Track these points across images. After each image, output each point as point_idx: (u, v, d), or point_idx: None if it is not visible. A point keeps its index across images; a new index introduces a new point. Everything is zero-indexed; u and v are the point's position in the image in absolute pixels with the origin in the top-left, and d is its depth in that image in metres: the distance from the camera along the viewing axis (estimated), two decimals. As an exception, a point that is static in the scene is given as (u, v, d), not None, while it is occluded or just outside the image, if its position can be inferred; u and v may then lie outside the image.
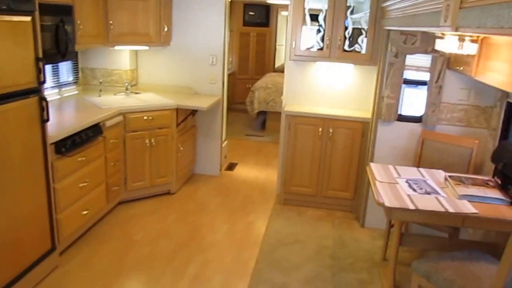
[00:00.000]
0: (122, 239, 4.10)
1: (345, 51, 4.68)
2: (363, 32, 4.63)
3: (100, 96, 4.96)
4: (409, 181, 3.36)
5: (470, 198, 3.07)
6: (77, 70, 5.22)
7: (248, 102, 8.08)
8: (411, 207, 2.91)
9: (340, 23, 4.56)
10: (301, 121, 4.74)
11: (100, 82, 5.25)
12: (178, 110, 4.93)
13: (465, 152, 3.91)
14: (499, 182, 3.30)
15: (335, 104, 5.03)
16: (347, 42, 4.68)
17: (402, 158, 4.32)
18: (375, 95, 4.40)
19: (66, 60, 4.18)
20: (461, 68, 3.61)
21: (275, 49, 10.35)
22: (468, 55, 3.33)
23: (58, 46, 3.78)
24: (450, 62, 3.99)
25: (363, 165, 4.59)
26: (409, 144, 4.30)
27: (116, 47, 4.95)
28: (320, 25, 4.69)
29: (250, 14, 9.80)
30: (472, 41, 3.13)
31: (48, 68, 4.57)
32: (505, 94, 3.69)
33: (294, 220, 4.69)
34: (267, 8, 9.92)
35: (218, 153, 5.84)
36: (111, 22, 4.60)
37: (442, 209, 2.90)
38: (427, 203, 2.97)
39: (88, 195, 3.95)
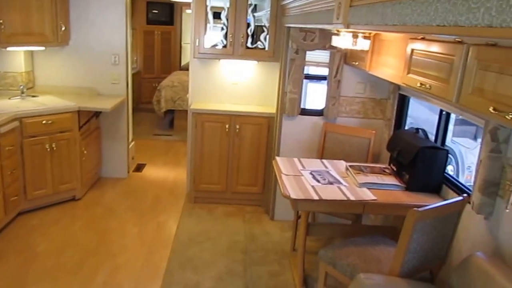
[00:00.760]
0: (24, 252, 3.85)
1: (248, 48, 4.74)
2: (265, 29, 4.72)
3: (-9, 100, 4.62)
4: (313, 173, 3.49)
5: (369, 185, 3.26)
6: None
7: (155, 101, 7.94)
8: (315, 197, 3.03)
9: (242, 20, 4.62)
10: (208, 118, 4.74)
11: (-8, 86, 4.90)
12: (80, 112, 4.73)
13: (363, 142, 4.13)
14: (394, 169, 3.53)
15: (241, 100, 5.09)
16: (250, 40, 4.75)
17: (306, 150, 4.47)
18: (278, 90, 4.51)
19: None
20: (357, 63, 3.80)
21: (180, 47, 10.24)
22: (362, 51, 3.51)
23: None
24: (347, 58, 4.19)
25: (270, 159, 4.69)
26: (313, 136, 4.46)
27: (9, 48, 4.64)
28: (223, 23, 4.72)
29: (154, 12, 9.61)
30: (365, 37, 3.32)
31: None
32: (397, 86, 3.94)
33: (205, 218, 4.70)
34: (171, 6, 9.78)
35: (125, 155, 5.69)
36: (1, 21, 4.26)
37: (344, 198, 3.05)
38: (330, 193, 3.11)
39: (-18, 207, 3.68)
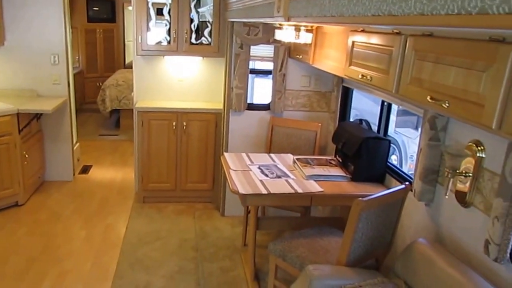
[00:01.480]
0: (-39, 261, 3.68)
1: (193, 44, 4.69)
2: (209, 25, 4.69)
3: None
4: (261, 167, 3.50)
5: (316, 177, 3.30)
6: None
7: (100, 101, 7.73)
8: (264, 191, 3.03)
9: (185, 16, 4.56)
10: (154, 116, 4.66)
11: None
12: (19, 115, 4.53)
13: (310, 135, 4.18)
14: (340, 160, 3.59)
15: (187, 97, 5.03)
16: (194, 35, 4.70)
17: (254, 145, 4.48)
18: (225, 86, 4.49)
19: None
20: (301, 57, 3.84)
21: (124, 45, 10.00)
22: (306, 44, 3.55)
23: None
24: (291, 52, 4.22)
25: (219, 155, 4.66)
26: (260, 131, 4.47)
27: None
28: (166, 19, 4.64)
29: (95, 10, 9.32)
30: (307, 31, 3.35)
31: None
32: (341, 79, 4.01)
33: (155, 217, 4.62)
34: (112, 3, 9.54)
35: (70, 157, 5.51)
36: None
37: (292, 191, 3.07)
38: (278, 187, 3.12)
39: None
